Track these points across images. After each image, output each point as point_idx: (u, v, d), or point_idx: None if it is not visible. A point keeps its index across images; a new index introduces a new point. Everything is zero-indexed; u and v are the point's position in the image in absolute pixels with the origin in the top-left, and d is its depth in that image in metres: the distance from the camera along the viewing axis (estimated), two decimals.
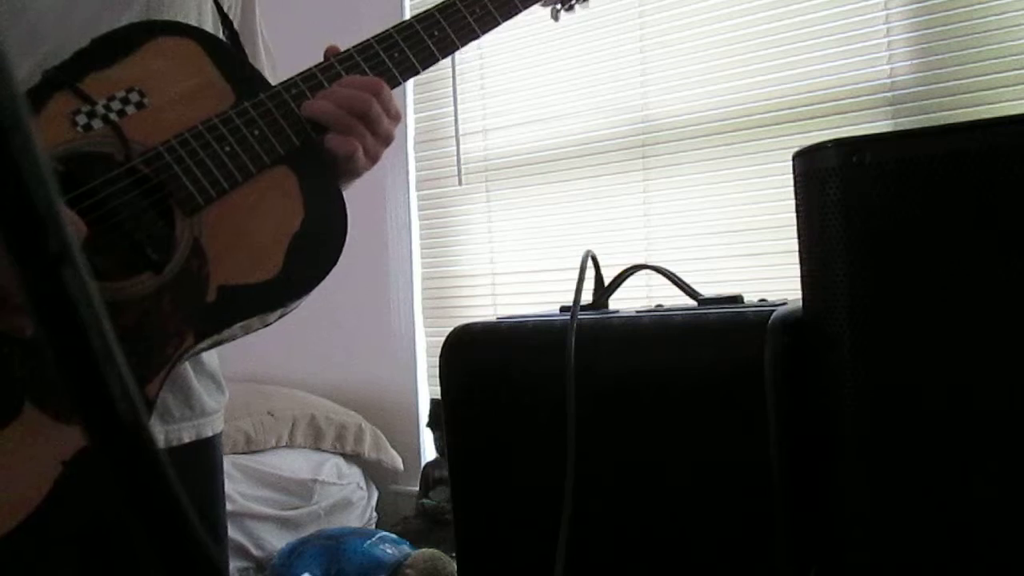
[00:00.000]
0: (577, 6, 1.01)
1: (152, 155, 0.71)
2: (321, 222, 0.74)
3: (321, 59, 0.81)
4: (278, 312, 0.74)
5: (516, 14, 0.89)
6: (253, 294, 0.71)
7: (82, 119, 0.70)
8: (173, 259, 0.69)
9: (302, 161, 0.76)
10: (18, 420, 0.63)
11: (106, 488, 0.21)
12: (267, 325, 0.76)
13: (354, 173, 0.81)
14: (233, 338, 0.75)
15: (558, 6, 1.00)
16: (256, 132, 0.74)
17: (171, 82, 0.74)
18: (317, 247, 0.74)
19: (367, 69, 0.80)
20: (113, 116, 0.71)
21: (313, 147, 0.76)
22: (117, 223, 0.68)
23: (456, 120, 2.78)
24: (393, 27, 0.83)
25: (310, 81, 0.78)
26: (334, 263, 0.74)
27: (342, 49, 0.81)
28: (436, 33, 0.83)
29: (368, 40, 0.81)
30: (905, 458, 0.77)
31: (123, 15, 0.77)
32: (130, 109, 0.71)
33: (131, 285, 0.68)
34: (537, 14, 1.01)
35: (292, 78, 0.78)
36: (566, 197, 2.58)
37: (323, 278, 0.73)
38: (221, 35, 0.85)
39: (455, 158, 2.79)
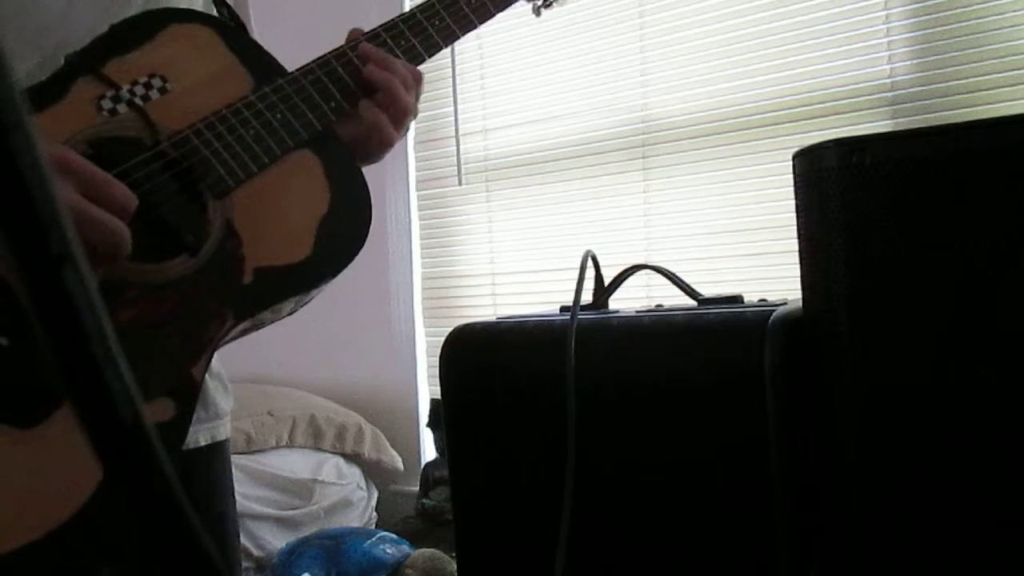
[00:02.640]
0: (555, 4, 1.04)
1: (180, 139, 0.71)
2: (347, 204, 0.76)
3: (320, 52, 0.83)
4: (312, 293, 0.75)
5: (509, 6, 0.93)
6: (288, 275, 0.72)
7: (107, 104, 0.70)
8: (208, 241, 0.70)
9: (324, 145, 0.78)
10: (64, 410, 0.61)
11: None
12: (294, 312, 0.77)
13: (370, 157, 0.82)
14: (263, 324, 0.75)
15: (539, 3, 1.04)
16: (279, 116, 0.76)
17: (191, 68, 0.75)
18: (345, 228, 0.75)
19: None
20: (138, 101, 0.71)
21: (333, 132, 0.79)
22: (151, 205, 0.68)
23: (456, 120, 2.78)
24: (398, 16, 0.85)
25: (325, 67, 0.80)
26: (363, 243, 0.75)
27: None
28: (437, 22, 0.86)
29: (376, 28, 0.84)
30: (905, 458, 0.77)
31: (127, 7, 0.77)
32: (154, 94, 0.72)
33: (170, 267, 0.68)
34: (535, 15, 1.06)
35: (308, 64, 0.80)
36: (566, 197, 2.58)
37: (353, 258, 0.75)
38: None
39: (455, 158, 2.79)
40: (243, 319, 0.70)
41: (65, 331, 0.20)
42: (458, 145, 2.78)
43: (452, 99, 2.78)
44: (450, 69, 2.76)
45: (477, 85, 2.76)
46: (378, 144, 0.81)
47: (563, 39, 2.58)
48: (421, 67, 0.85)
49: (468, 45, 2.72)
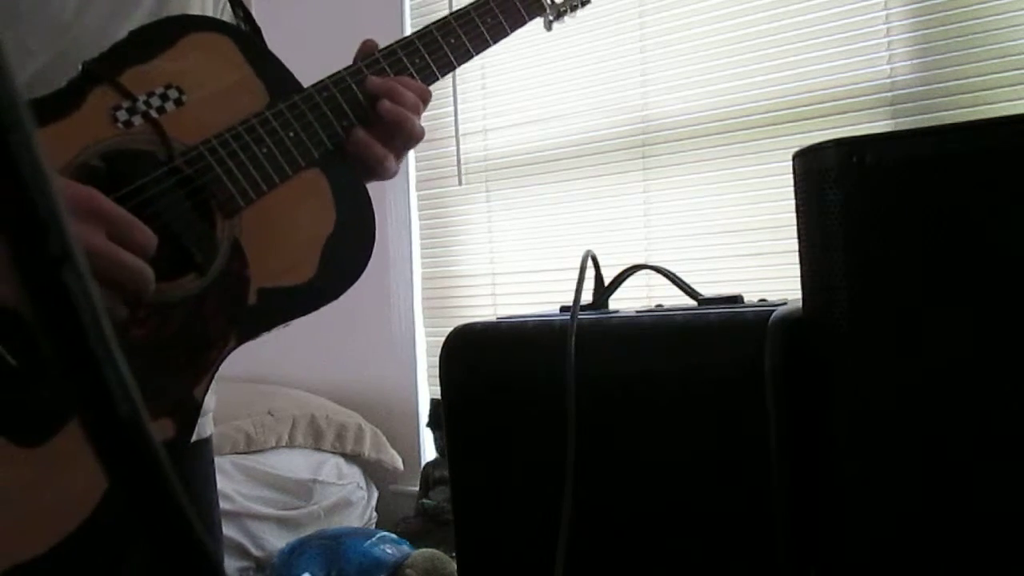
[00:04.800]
0: (567, 17, 1.05)
1: (194, 155, 0.71)
2: (352, 226, 0.76)
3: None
4: (312, 312, 0.75)
5: (523, 25, 0.94)
6: (290, 297, 0.72)
7: (123, 115, 0.69)
8: (216, 261, 0.69)
9: (332, 164, 0.77)
10: (71, 426, 0.61)
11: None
12: (288, 324, 0.77)
13: (374, 178, 0.82)
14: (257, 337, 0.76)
15: (551, 17, 1.06)
16: (291, 134, 0.75)
17: (208, 79, 0.74)
18: (349, 251, 0.75)
19: (391, 73, 0.82)
20: (153, 113, 0.70)
21: (343, 150, 0.78)
22: (164, 223, 0.68)
23: (456, 120, 2.78)
24: (414, 33, 0.85)
25: (340, 84, 0.79)
26: (366, 264, 0.75)
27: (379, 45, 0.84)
28: (453, 40, 0.86)
29: (392, 45, 0.83)
30: (905, 458, 0.77)
31: (137, 8, 0.77)
32: (169, 106, 0.71)
33: (176, 287, 0.68)
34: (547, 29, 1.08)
35: (322, 81, 0.79)
36: (566, 197, 2.58)
37: (354, 282, 0.75)
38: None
39: (455, 158, 2.79)
40: (244, 340, 0.70)
41: (64, 329, 0.20)
42: (458, 145, 2.78)
43: (452, 99, 2.78)
44: None
45: (477, 85, 2.76)
46: (382, 174, 0.81)
47: (563, 39, 2.57)
48: None
49: None
